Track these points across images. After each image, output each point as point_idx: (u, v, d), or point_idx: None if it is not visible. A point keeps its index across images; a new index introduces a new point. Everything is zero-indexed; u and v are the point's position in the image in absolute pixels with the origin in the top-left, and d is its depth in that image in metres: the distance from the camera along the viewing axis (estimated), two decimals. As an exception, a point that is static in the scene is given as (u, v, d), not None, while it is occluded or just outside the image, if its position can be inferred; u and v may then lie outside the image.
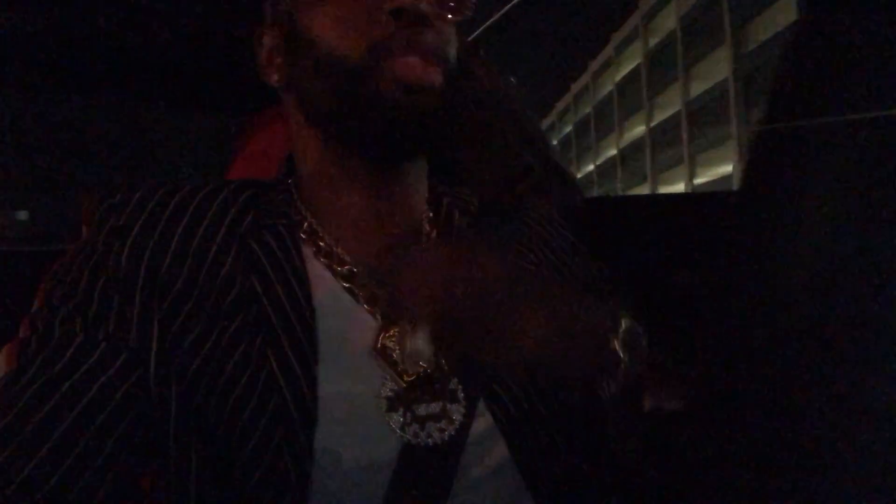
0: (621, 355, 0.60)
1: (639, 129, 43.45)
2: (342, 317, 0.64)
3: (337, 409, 0.60)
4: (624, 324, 0.61)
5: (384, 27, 0.61)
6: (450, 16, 0.65)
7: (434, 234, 0.73)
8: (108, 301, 0.59)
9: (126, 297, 0.59)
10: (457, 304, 0.56)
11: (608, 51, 48.60)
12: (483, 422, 0.64)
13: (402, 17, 0.61)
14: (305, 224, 0.68)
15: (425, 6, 0.61)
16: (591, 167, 52.20)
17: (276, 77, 0.70)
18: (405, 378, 0.62)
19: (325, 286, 0.65)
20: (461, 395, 0.63)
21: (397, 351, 0.63)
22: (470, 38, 1.11)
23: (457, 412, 0.63)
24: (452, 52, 0.66)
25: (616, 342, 0.60)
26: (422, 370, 0.63)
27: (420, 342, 0.61)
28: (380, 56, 0.61)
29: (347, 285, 0.66)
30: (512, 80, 1.10)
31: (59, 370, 0.55)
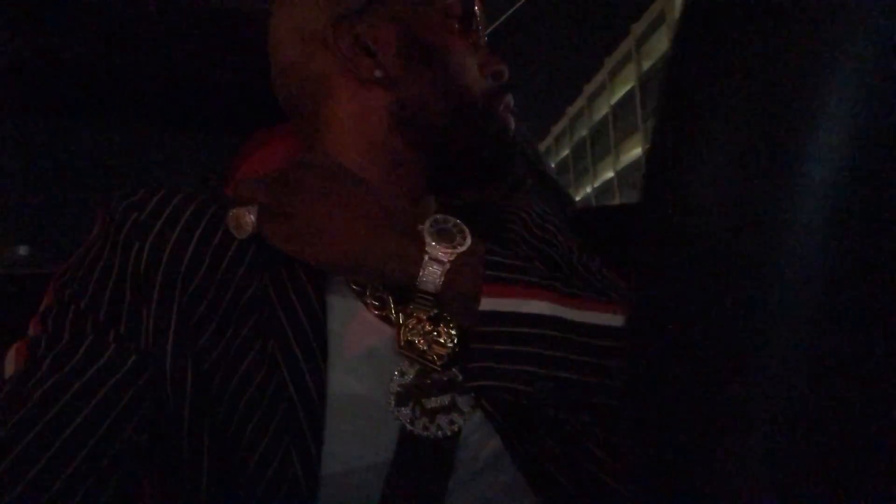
0: (427, 238, 0.62)
1: (635, 152, 43.68)
2: (350, 318, 0.66)
3: (345, 411, 0.60)
4: (433, 215, 0.66)
5: (486, 81, 0.73)
6: None
7: None
8: (119, 301, 0.60)
9: (142, 296, 0.60)
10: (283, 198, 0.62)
11: (602, 74, 49.08)
12: (478, 414, 0.64)
13: (496, 77, 0.74)
14: None
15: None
16: (589, 189, 52.37)
17: (377, 72, 0.71)
18: (438, 364, 0.64)
19: (335, 288, 0.67)
20: (467, 389, 0.64)
21: (421, 342, 0.64)
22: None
23: (466, 404, 0.64)
24: None
25: (424, 229, 0.64)
26: (449, 351, 0.64)
27: (248, 215, 0.64)
28: (492, 100, 0.73)
29: (357, 288, 0.68)
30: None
31: (69, 372, 0.55)
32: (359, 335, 0.65)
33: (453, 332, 0.65)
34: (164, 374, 0.58)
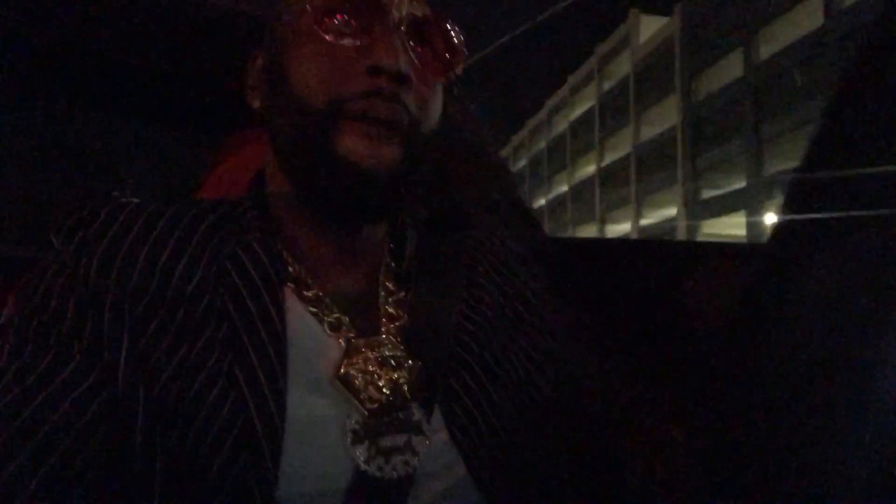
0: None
1: (589, 169, 44.48)
2: (310, 341, 0.65)
3: (304, 434, 0.60)
4: None
5: (353, 83, 0.62)
6: (432, 77, 0.67)
7: (391, 263, 0.75)
8: (82, 316, 0.59)
9: (97, 312, 0.59)
10: None
11: (564, 90, 49.83)
12: (441, 438, 0.65)
13: (379, 74, 0.62)
14: (274, 248, 0.68)
15: (404, 66, 0.62)
16: (542, 201, 53.04)
17: (256, 102, 0.71)
18: (367, 406, 0.63)
19: (294, 309, 0.66)
20: (426, 427, 0.64)
21: (359, 379, 0.64)
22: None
23: (421, 444, 0.63)
24: (425, 115, 0.66)
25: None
26: (384, 398, 0.63)
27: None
28: (341, 113, 0.62)
29: (314, 310, 0.67)
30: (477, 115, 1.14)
31: (32, 384, 0.54)
32: (319, 356, 0.64)
33: (394, 377, 0.65)
34: (116, 391, 0.57)
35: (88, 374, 0.57)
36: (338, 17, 0.63)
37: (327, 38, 0.63)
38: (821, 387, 0.25)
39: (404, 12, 0.64)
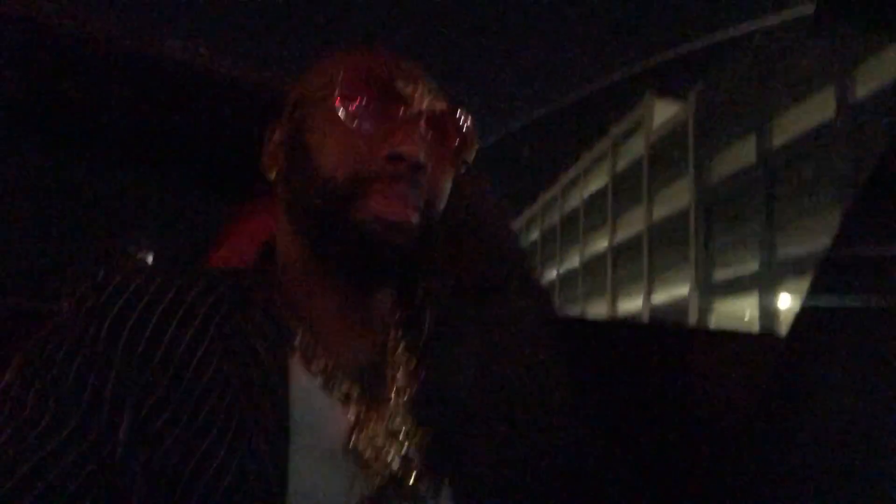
0: None
1: (601, 245, 44.67)
2: (316, 412, 0.65)
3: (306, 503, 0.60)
4: None
5: (374, 165, 0.66)
6: (447, 165, 0.73)
7: (400, 333, 0.75)
8: (83, 382, 0.60)
9: (101, 379, 0.60)
10: None
11: (578, 167, 50.64)
12: None
13: (400, 161, 0.66)
14: (283, 318, 0.69)
15: (423, 156, 0.66)
16: (553, 275, 53.05)
17: (273, 172, 0.74)
18: (375, 479, 0.63)
19: (300, 380, 0.66)
20: (430, 500, 0.64)
21: (369, 451, 0.63)
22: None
23: None
24: (437, 199, 0.72)
25: None
26: (392, 471, 0.63)
27: None
28: (361, 187, 0.66)
29: (322, 381, 0.67)
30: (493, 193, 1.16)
31: (28, 445, 0.55)
32: (325, 427, 0.65)
33: (403, 449, 0.65)
34: (114, 457, 0.58)
35: (84, 438, 0.57)
36: (364, 103, 0.68)
37: (352, 123, 0.67)
38: (852, 467, 0.24)
39: (425, 106, 0.68)
